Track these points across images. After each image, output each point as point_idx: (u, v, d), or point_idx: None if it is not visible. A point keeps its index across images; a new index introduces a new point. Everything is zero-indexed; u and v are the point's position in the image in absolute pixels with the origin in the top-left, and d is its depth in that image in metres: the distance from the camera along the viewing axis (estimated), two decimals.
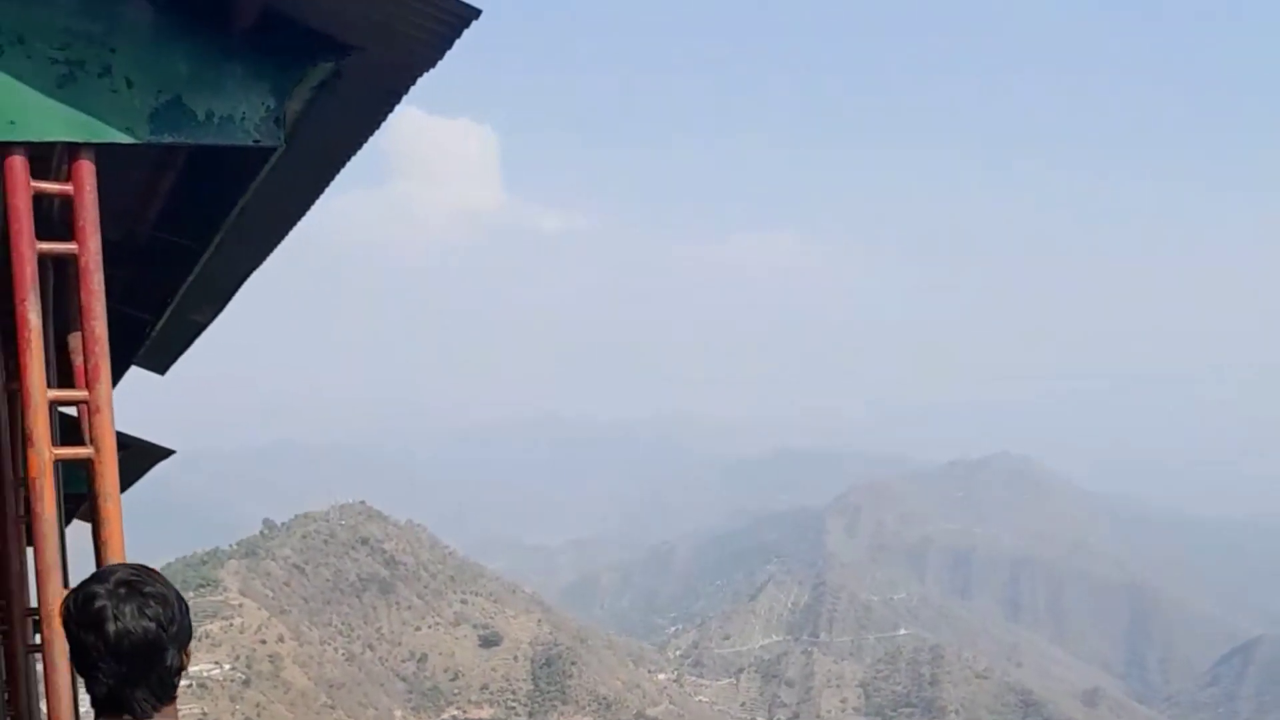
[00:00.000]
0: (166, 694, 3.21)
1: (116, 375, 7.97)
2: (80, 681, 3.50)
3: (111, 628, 3.06)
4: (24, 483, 6.88)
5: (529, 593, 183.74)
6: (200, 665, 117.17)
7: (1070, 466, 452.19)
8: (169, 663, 3.17)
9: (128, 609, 3.08)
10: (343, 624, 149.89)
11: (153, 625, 3.11)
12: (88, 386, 4.41)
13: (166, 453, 8.82)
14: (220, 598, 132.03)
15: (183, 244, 6.13)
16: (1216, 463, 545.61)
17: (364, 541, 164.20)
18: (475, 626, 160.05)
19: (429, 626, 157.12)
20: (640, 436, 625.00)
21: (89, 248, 4.32)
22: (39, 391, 4.26)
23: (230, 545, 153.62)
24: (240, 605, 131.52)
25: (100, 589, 3.10)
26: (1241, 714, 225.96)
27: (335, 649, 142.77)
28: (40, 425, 4.26)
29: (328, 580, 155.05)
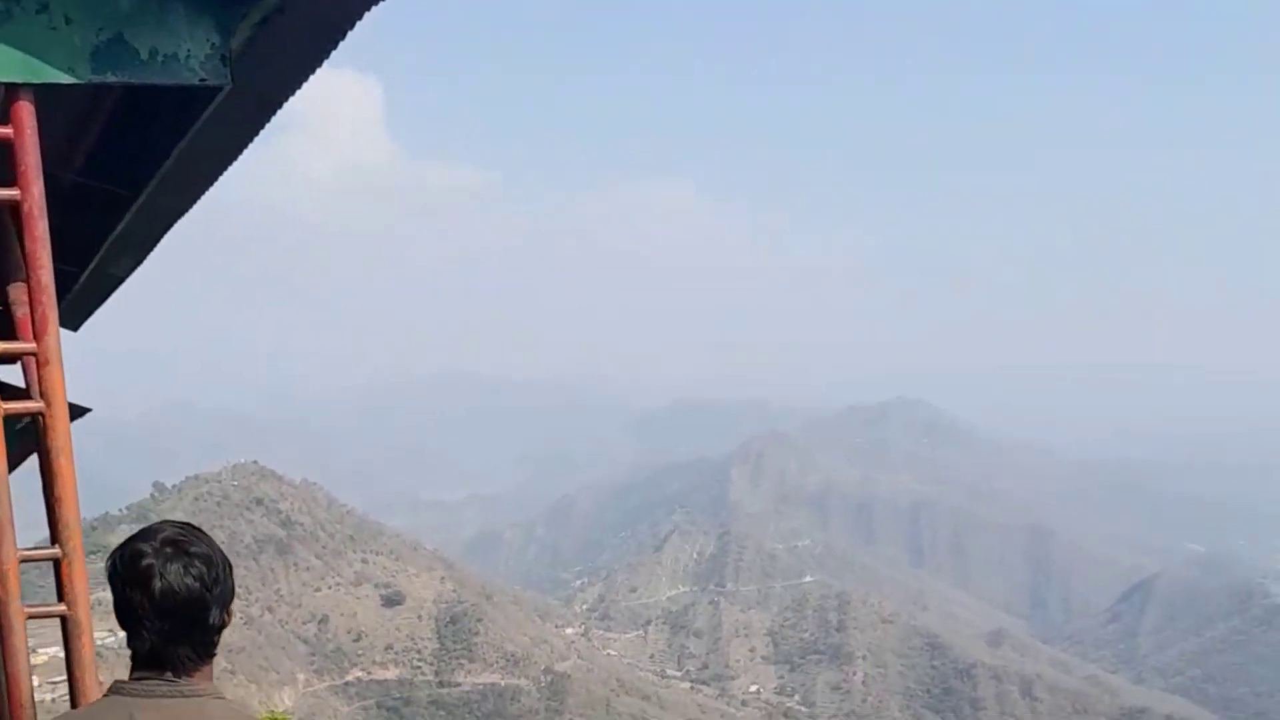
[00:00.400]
0: (207, 651, 3.32)
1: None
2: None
3: (157, 585, 3.17)
4: None
5: (431, 550, 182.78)
6: (94, 633, 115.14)
7: (967, 411, 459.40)
8: (211, 621, 3.28)
9: (173, 568, 3.19)
10: (240, 587, 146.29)
11: (197, 585, 3.21)
12: (35, 338, 4.23)
13: (82, 410, 8.53)
14: None
15: (111, 191, 5.91)
16: (1107, 405, 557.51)
17: (259, 502, 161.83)
18: (377, 586, 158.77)
19: (329, 587, 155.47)
20: (538, 391, 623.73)
21: (32, 193, 4.13)
22: None
23: (120, 510, 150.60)
24: None
25: (147, 547, 3.22)
26: (1142, 649, 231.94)
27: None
28: None
29: (222, 542, 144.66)
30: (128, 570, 3.21)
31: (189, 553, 3.24)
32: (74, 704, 4.39)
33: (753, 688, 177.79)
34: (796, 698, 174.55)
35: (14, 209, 4.20)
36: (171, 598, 3.17)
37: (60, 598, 4.39)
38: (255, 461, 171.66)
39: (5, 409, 4.17)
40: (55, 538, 4.36)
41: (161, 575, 3.18)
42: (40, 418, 4.27)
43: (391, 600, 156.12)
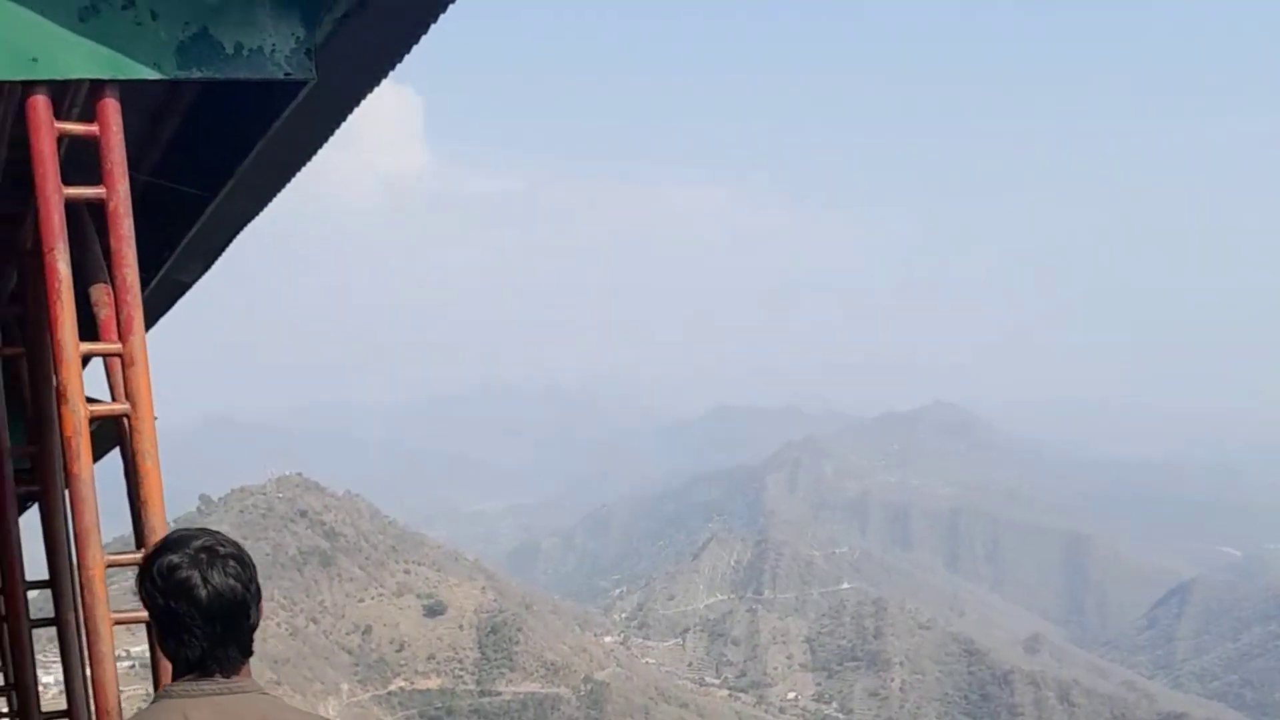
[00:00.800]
0: (249, 649, 3.37)
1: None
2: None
3: (203, 593, 3.20)
4: (24, 448, 6.64)
5: (471, 560, 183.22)
6: (142, 645, 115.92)
7: (1001, 415, 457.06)
8: (252, 619, 3.34)
9: (214, 573, 3.23)
10: (284, 598, 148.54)
11: (238, 585, 3.27)
12: (120, 338, 4.18)
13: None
14: None
15: (184, 192, 5.86)
16: (1145, 411, 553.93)
17: (303, 514, 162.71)
18: (419, 596, 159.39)
19: (372, 598, 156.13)
20: (575, 400, 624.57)
21: (118, 192, 4.07)
22: (71, 345, 4.02)
23: (167, 522, 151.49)
24: None
25: (180, 557, 3.24)
26: (1178, 654, 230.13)
27: (278, 624, 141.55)
28: (74, 381, 4.02)
29: (267, 554, 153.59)
30: (166, 583, 3.23)
31: (222, 555, 3.29)
32: None
33: (790, 695, 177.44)
34: (834, 705, 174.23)
35: (98, 208, 4.15)
36: (219, 601, 3.22)
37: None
38: (299, 474, 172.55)
39: (91, 411, 4.12)
40: (141, 542, 4.31)
41: (206, 581, 3.22)
42: (125, 420, 4.22)
43: (433, 610, 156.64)
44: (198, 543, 3.30)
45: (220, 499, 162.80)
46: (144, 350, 4.18)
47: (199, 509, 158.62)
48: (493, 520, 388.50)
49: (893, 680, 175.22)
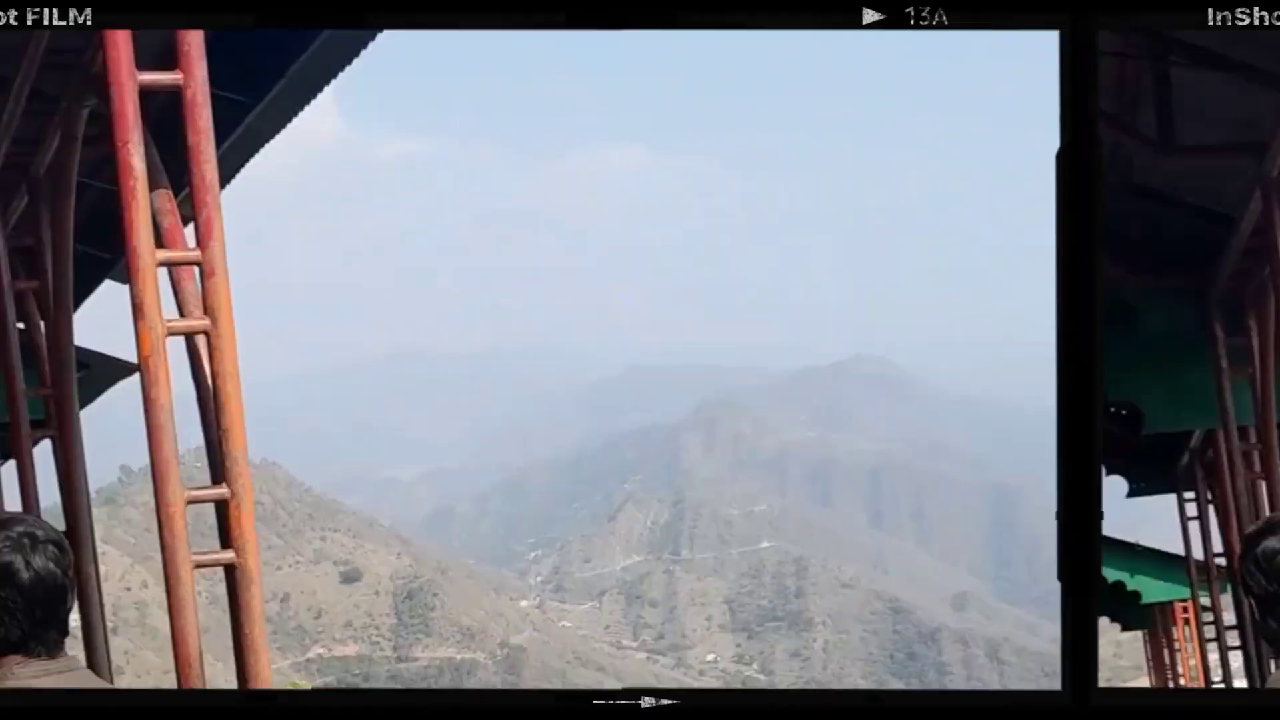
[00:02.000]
0: (66, 630, 3.42)
1: (104, 271, 7.16)
2: None
3: (26, 576, 3.24)
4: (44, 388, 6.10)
5: (387, 526, 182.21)
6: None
7: (927, 367, 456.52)
8: (68, 604, 3.38)
9: (36, 558, 3.26)
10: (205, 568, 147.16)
11: (59, 570, 3.30)
12: (200, 245, 3.70)
13: (131, 369, 7.96)
14: None
15: (222, 97, 5.32)
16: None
17: None
18: (335, 563, 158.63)
19: (289, 565, 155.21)
20: (488, 364, 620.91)
21: (195, 76, 3.60)
22: (147, 254, 3.55)
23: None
24: (103, 553, 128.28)
25: (3, 542, 3.27)
26: None
27: (199, 592, 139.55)
28: (150, 293, 3.56)
29: (187, 523, 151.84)
30: None
31: (43, 540, 3.31)
32: (239, 660, 3.99)
33: (710, 657, 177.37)
34: (755, 666, 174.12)
35: (170, 97, 3.67)
36: (40, 585, 3.25)
37: (226, 544, 3.92)
38: None
39: (170, 328, 3.66)
40: (221, 475, 3.87)
41: (29, 565, 3.25)
42: (204, 337, 3.76)
43: (349, 577, 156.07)
44: (20, 528, 3.32)
45: (140, 469, 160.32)
46: (224, 259, 3.71)
47: (120, 479, 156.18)
48: (407, 486, 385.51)
49: (815, 640, 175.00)
